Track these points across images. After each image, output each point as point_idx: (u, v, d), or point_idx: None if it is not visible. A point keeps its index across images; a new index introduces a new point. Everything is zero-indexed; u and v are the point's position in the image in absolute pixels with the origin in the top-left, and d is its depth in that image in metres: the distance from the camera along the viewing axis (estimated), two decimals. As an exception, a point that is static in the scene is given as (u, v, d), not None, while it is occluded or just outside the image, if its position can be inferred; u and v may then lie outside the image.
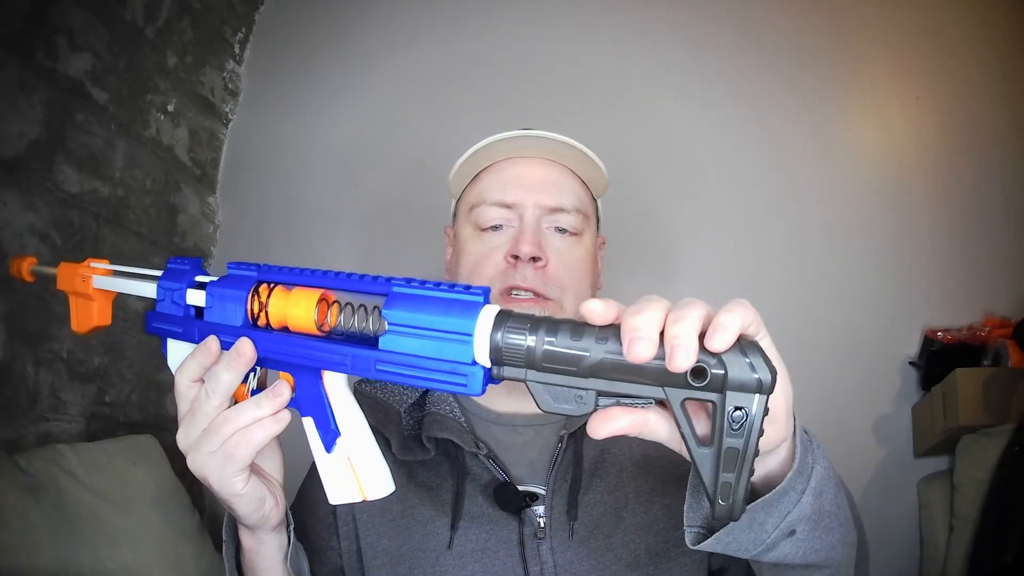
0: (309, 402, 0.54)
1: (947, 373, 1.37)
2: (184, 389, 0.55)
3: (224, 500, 0.56)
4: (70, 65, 1.37)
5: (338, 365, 0.51)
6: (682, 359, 0.39)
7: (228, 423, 0.52)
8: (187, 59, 1.70)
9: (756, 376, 0.40)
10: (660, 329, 0.41)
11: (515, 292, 0.78)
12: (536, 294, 0.78)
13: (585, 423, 0.72)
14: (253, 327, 0.54)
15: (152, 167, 1.61)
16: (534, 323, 0.45)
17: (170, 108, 1.66)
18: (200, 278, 0.57)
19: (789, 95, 1.67)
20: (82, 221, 1.41)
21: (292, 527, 0.63)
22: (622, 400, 0.45)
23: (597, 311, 0.43)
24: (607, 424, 0.45)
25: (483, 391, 0.46)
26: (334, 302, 0.53)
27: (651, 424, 0.45)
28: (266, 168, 1.84)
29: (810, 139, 1.66)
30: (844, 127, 1.67)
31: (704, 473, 0.43)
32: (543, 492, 0.75)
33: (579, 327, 0.44)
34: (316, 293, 0.53)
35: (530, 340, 0.44)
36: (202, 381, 0.54)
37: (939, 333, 1.47)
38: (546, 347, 0.44)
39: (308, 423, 0.54)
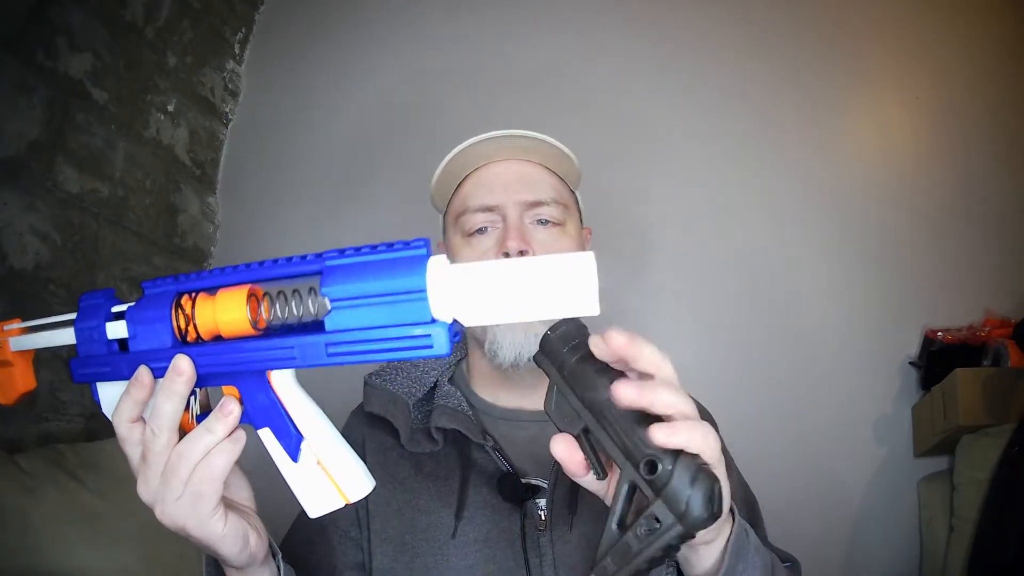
0: (261, 411, 0.48)
1: (947, 373, 1.37)
2: (126, 432, 0.49)
3: (207, 547, 0.51)
4: (70, 65, 1.37)
5: (286, 361, 0.46)
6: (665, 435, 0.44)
7: (184, 459, 0.48)
8: (187, 59, 1.70)
9: (686, 505, 0.42)
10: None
11: None
12: None
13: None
14: (184, 344, 0.49)
15: (152, 167, 1.61)
16: (583, 342, 0.49)
17: (170, 108, 1.66)
18: (117, 308, 0.51)
19: (789, 95, 1.67)
20: (82, 221, 1.41)
21: (280, 556, 0.59)
22: (587, 447, 0.49)
23: (597, 347, 0.47)
24: (565, 449, 0.50)
25: (450, 350, 0.43)
26: (265, 295, 0.49)
27: (587, 479, 0.51)
28: (266, 168, 1.84)
29: (809, 139, 1.66)
30: (844, 127, 1.67)
31: (600, 546, 0.46)
32: (545, 485, 0.77)
33: (605, 367, 0.47)
34: (243, 290, 0.47)
35: (571, 349, 0.49)
36: (142, 420, 0.49)
37: (939, 333, 1.47)
38: (577, 362, 0.48)
39: (266, 434, 0.49)
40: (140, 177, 1.57)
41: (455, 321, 0.43)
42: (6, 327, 0.56)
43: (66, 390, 1.36)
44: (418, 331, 0.42)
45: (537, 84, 1.75)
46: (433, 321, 0.42)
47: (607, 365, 0.48)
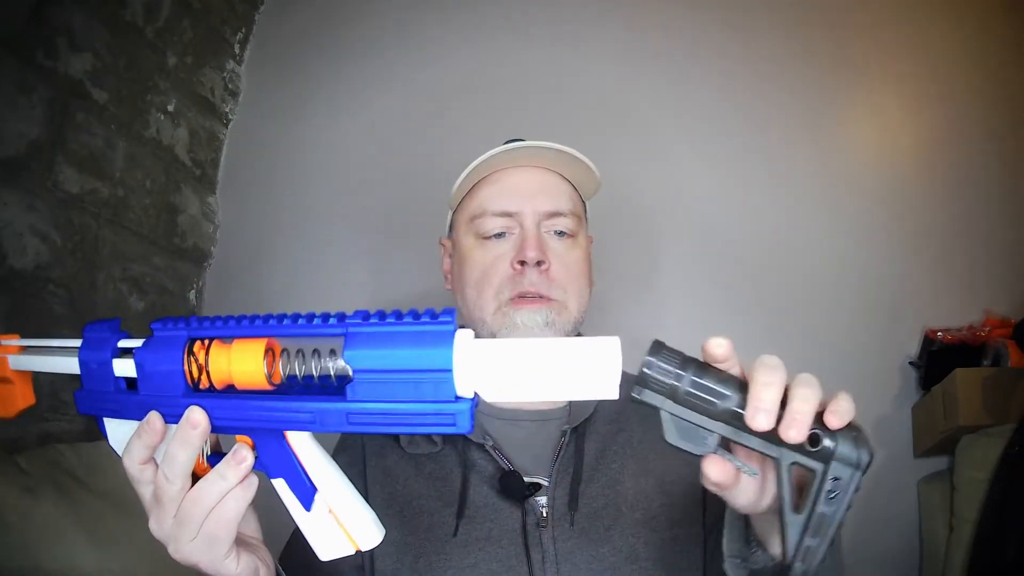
0: (276, 463, 0.49)
1: (947, 373, 1.37)
2: (136, 473, 0.51)
3: None
4: (70, 65, 1.36)
5: (303, 424, 0.46)
6: (798, 433, 0.45)
7: (198, 505, 0.49)
8: (187, 59, 1.70)
9: (859, 453, 0.46)
10: (780, 399, 0.46)
11: (523, 296, 0.81)
12: (541, 296, 0.81)
13: (587, 418, 0.75)
14: (196, 392, 0.48)
15: (152, 167, 1.61)
16: (685, 359, 0.48)
17: (170, 108, 1.66)
18: (124, 343, 0.51)
19: (788, 96, 1.67)
20: (82, 221, 1.41)
21: None
22: (727, 454, 0.49)
23: (719, 352, 0.49)
24: (720, 470, 0.49)
25: (471, 428, 0.43)
26: (283, 351, 0.48)
27: (741, 486, 0.50)
28: (266, 168, 1.84)
29: (809, 139, 1.66)
30: (844, 127, 1.67)
31: (790, 537, 0.47)
32: (546, 483, 0.77)
33: (723, 373, 0.48)
34: (261, 343, 0.47)
35: (679, 372, 0.48)
36: (153, 461, 0.50)
37: (939, 333, 1.47)
38: (693, 382, 0.47)
39: (280, 484, 0.50)
40: (140, 177, 1.57)
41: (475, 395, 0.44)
42: (3, 342, 0.56)
43: (66, 390, 1.36)
44: (441, 409, 0.43)
45: (537, 84, 1.75)
46: (457, 399, 0.43)
47: (721, 372, 0.48)
